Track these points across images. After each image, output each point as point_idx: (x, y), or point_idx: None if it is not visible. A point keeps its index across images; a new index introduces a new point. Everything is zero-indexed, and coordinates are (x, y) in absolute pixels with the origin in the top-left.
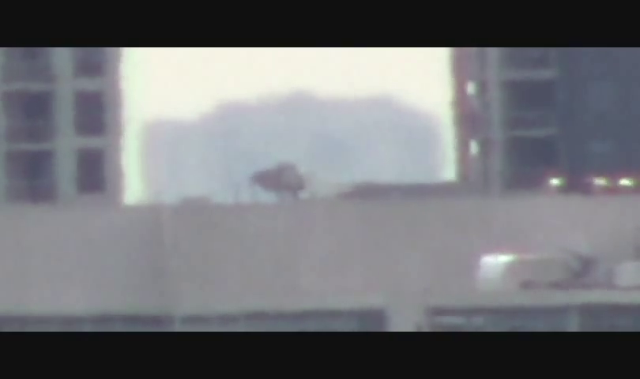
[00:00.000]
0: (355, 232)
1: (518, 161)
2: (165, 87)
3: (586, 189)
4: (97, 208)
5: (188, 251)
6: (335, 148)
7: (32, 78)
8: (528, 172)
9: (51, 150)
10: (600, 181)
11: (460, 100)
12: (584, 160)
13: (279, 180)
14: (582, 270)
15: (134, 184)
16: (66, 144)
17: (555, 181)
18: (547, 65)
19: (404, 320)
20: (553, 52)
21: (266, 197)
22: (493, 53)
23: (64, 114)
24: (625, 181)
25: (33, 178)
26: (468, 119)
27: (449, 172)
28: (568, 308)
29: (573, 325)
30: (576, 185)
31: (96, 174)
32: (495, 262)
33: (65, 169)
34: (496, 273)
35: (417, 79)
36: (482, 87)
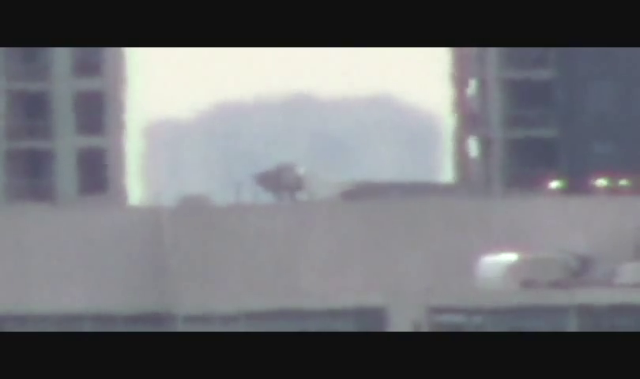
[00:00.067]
0: (355, 232)
1: (518, 161)
2: (165, 87)
3: (586, 190)
4: (97, 207)
5: (188, 251)
6: (335, 147)
7: (31, 78)
8: (529, 172)
9: (51, 150)
10: (600, 182)
11: (460, 100)
12: (584, 160)
13: (279, 180)
14: (582, 269)
15: (135, 184)
16: (66, 143)
17: (555, 182)
18: (547, 65)
19: (404, 320)
20: (553, 52)
21: (266, 197)
22: (493, 53)
23: (64, 113)
24: (625, 182)
25: (33, 178)
26: (468, 119)
27: (449, 172)
28: (568, 307)
29: (573, 325)
30: (576, 185)
31: (96, 173)
32: (495, 262)
33: (65, 169)
34: (496, 273)
35: (417, 79)
36: (482, 87)
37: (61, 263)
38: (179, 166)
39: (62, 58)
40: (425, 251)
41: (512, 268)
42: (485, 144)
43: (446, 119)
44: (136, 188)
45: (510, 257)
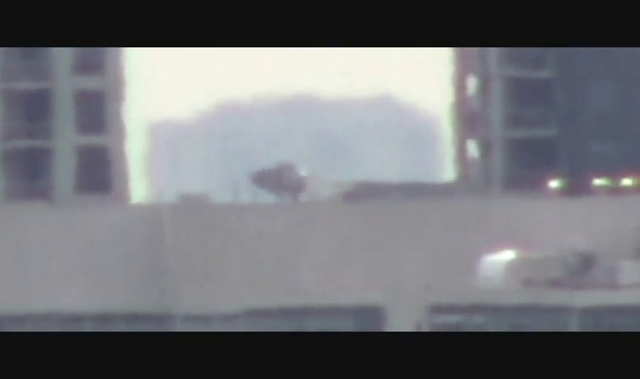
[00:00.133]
0: (355, 232)
1: (518, 161)
2: (165, 87)
3: (586, 189)
4: (97, 207)
5: (188, 250)
6: (335, 147)
7: (31, 77)
8: (529, 172)
9: (51, 149)
10: (600, 181)
11: (459, 100)
12: (584, 160)
13: (279, 180)
14: (582, 268)
15: (135, 183)
16: (66, 143)
17: (555, 181)
18: (546, 64)
19: (404, 319)
20: (553, 52)
21: (266, 196)
22: (493, 52)
23: (63, 113)
24: (625, 181)
25: (33, 178)
26: (468, 119)
27: (449, 172)
28: (569, 307)
29: (573, 324)
30: (576, 185)
31: (95, 173)
32: (495, 261)
33: (65, 168)
34: (496, 272)
35: (417, 79)
36: (482, 87)
37: (61, 262)
38: (180, 165)
39: (62, 57)
40: (425, 251)
41: (512, 268)
42: (485, 144)
43: (446, 119)
44: (136, 187)
45: (510, 256)
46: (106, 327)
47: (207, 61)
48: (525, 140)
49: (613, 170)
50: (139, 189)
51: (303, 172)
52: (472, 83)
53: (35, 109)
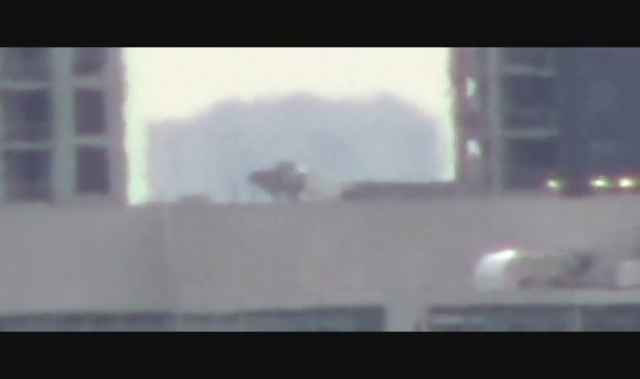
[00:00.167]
0: (355, 231)
1: (518, 161)
2: (165, 87)
3: (586, 189)
4: (97, 207)
5: (188, 250)
6: (334, 147)
7: (30, 77)
8: (528, 172)
9: (51, 149)
10: (599, 182)
11: (459, 100)
12: (584, 160)
13: (278, 179)
14: (581, 268)
15: (134, 183)
16: (66, 143)
17: (554, 181)
18: (546, 64)
19: (403, 319)
20: (553, 51)
21: (266, 196)
22: (493, 52)
23: (63, 113)
24: (625, 182)
25: (33, 178)
26: (467, 119)
27: (448, 172)
28: (568, 307)
29: (573, 324)
30: (576, 184)
31: (95, 173)
32: (494, 261)
33: (64, 168)
34: (496, 272)
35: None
36: (482, 86)
37: (60, 262)
38: (179, 165)
39: (61, 57)
40: (425, 250)
41: (511, 267)
42: (485, 144)
43: (446, 119)
44: (136, 187)
45: (509, 256)
46: (105, 327)
47: (207, 61)
48: (525, 140)
49: (613, 170)
50: (139, 188)
51: (302, 172)
52: (471, 83)
53: (35, 109)
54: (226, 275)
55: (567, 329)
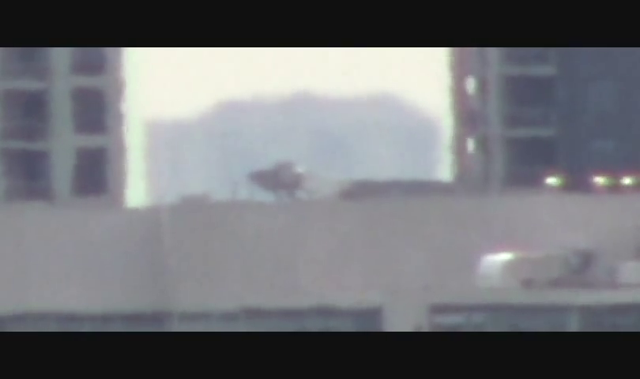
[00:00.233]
0: (354, 230)
1: (518, 159)
2: (165, 87)
3: (586, 188)
4: (96, 206)
5: (187, 249)
6: (334, 146)
7: (29, 76)
8: (528, 170)
9: (49, 149)
10: (600, 180)
11: (459, 99)
12: (584, 158)
13: (278, 179)
14: (582, 267)
15: (134, 183)
16: (65, 143)
17: (554, 180)
18: (546, 63)
19: (403, 319)
20: (553, 50)
21: (265, 195)
22: (492, 51)
23: (62, 113)
24: (625, 180)
25: (32, 178)
26: (467, 117)
27: (448, 170)
28: (568, 306)
29: (573, 324)
30: (576, 183)
31: (94, 173)
32: (494, 260)
33: (63, 168)
34: (496, 271)
35: (416, 78)
36: (481, 85)
37: (59, 263)
38: (179, 165)
39: (61, 57)
40: (424, 250)
41: (512, 267)
42: (484, 143)
43: (445, 118)
44: (135, 187)
45: (509, 255)
46: (105, 327)
47: (206, 61)
48: (525, 139)
49: (613, 169)
50: (138, 188)
51: (301, 171)
52: (471, 81)
53: (34, 109)
54: (225, 274)
55: (568, 328)
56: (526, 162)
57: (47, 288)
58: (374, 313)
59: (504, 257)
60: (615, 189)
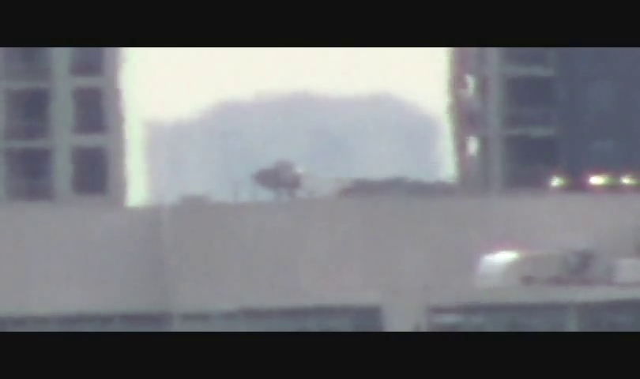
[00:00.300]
0: (353, 230)
1: (518, 159)
2: (165, 86)
3: (586, 188)
4: (96, 206)
5: (187, 249)
6: (334, 146)
7: (30, 77)
8: (528, 170)
9: (50, 149)
10: (599, 180)
11: (459, 98)
12: (584, 158)
13: (278, 178)
14: (581, 267)
15: (134, 183)
16: (65, 143)
17: (555, 180)
18: (546, 63)
19: (402, 319)
20: (552, 51)
21: (265, 195)
22: (492, 51)
23: (63, 113)
24: (625, 180)
25: (32, 177)
26: (467, 117)
27: (448, 170)
28: (568, 305)
29: (573, 322)
30: (576, 183)
31: (94, 172)
32: (494, 260)
33: (64, 168)
34: (496, 271)
35: (416, 77)
36: (481, 85)
37: (60, 262)
38: (179, 165)
39: (61, 57)
40: (424, 249)
41: (512, 266)
42: (485, 143)
43: (445, 118)
44: (135, 187)
45: (509, 254)
46: (105, 327)
47: (206, 61)
48: (525, 139)
49: (613, 169)
50: (138, 188)
51: (301, 170)
52: (471, 81)
53: (35, 109)
54: (225, 274)
55: (567, 328)
56: (526, 162)
57: (47, 287)
58: (374, 312)
59: (504, 256)
60: (614, 189)
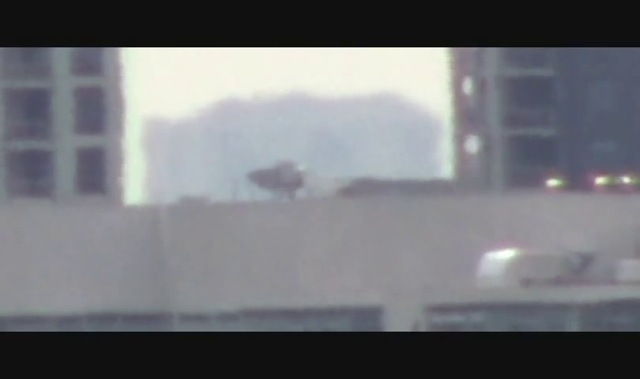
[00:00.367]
0: (353, 229)
1: (518, 159)
2: (164, 86)
3: (586, 188)
4: (96, 206)
5: (187, 249)
6: (334, 145)
7: (31, 76)
8: (529, 170)
9: (51, 149)
10: (600, 180)
11: (459, 98)
12: (584, 158)
13: (277, 178)
14: (582, 267)
15: (134, 182)
16: (65, 142)
17: (554, 180)
18: (546, 63)
19: (402, 319)
20: (552, 51)
21: (265, 195)
22: (492, 51)
23: (63, 112)
24: (625, 180)
25: (32, 177)
26: (467, 117)
27: (448, 170)
28: (568, 305)
29: (573, 322)
30: (576, 183)
31: (95, 172)
32: (494, 259)
33: (64, 168)
34: (496, 270)
35: (416, 77)
36: (482, 85)
37: (59, 262)
38: (179, 165)
39: (61, 57)
40: (424, 249)
41: (512, 266)
42: (485, 142)
43: (446, 117)
44: (135, 186)
45: (509, 254)
46: (104, 326)
47: (206, 60)
48: (525, 139)
49: (613, 169)
50: (138, 188)
51: (301, 169)
52: (471, 81)
53: (35, 108)
54: (224, 274)
55: (567, 328)
56: (526, 162)
57: (47, 287)
58: (374, 312)
59: (504, 256)
60: (614, 189)
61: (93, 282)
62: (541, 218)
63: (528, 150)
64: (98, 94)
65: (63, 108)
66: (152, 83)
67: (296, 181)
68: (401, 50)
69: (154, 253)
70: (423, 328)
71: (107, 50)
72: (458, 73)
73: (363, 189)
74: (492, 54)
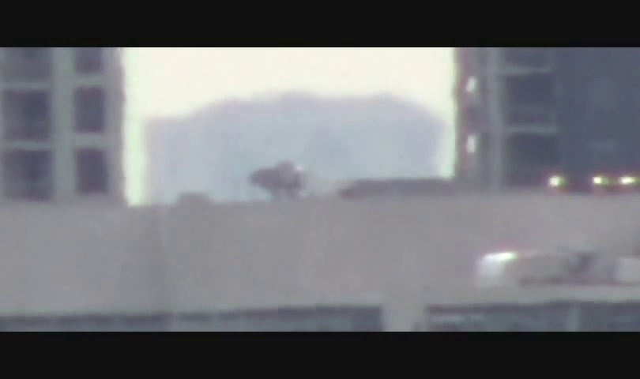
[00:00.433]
0: (353, 230)
1: (518, 158)
2: (165, 86)
3: (586, 187)
4: (96, 206)
5: (187, 249)
6: (334, 146)
7: (31, 77)
8: (528, 170)
9: (50, 149)
10: (599, 180)
11: (459, 97)
12: (584, 158)
13: (277, 178)
14: (581, 266)
15: (133, 182)
16: (65, 142)
17: (555, 179)
18: (546, 62)
19: (402, 319)
20: (552, 51)
21: (265, 195)
22: (493, 50)
23: (63, 113)
24: (625, 180)
25: (32, 177)
26: (467, 116)
27: (448, 169)
28: (568, 305)
29: (573, 322)
30: (576, 182)
31: (95, 172)
32: (494, 259)
33: (63, 168)
34: (496, 270)
35: (416, 77)
36: (482, 84)
37: (59, 262)
38: (179, 164)
39: (61, 56)
40: (424, 249)
41: (511, 266)
42: (485, 142)
43: (446, 116)
44: (135, 186)
45: (509, 254)
46: (104, 327)
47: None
48: (525, 138)
49: (613, 169)
50: (138, 188)
51: (301, 170)
52: (471, 81)
53: (35, 109)
54: (224, 274)
55: (567, 328)
56: (526, 162)
57: (46, 288)
58: (374, 312)
59: (504, 256)
60: (614, 189)
61: (93, 282)
62: (541, 218)
63: (527, 150)
64: (98, 94)
65: (63, 108)
66: (152, 83)
67: (296, 182)
68: (402, 51)
69: (154, 253)
70: (423, 329)
71: (108, 50)
72: (458, 71)
73: (363, 189)
74: (493, 53)
